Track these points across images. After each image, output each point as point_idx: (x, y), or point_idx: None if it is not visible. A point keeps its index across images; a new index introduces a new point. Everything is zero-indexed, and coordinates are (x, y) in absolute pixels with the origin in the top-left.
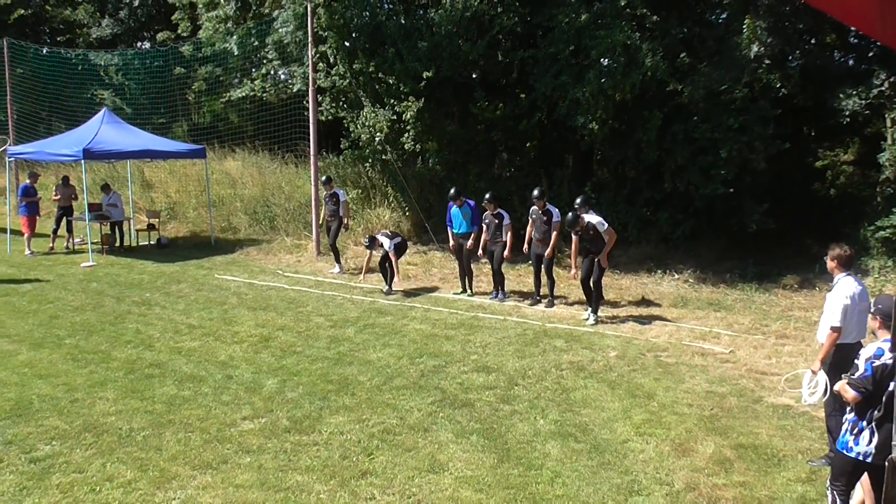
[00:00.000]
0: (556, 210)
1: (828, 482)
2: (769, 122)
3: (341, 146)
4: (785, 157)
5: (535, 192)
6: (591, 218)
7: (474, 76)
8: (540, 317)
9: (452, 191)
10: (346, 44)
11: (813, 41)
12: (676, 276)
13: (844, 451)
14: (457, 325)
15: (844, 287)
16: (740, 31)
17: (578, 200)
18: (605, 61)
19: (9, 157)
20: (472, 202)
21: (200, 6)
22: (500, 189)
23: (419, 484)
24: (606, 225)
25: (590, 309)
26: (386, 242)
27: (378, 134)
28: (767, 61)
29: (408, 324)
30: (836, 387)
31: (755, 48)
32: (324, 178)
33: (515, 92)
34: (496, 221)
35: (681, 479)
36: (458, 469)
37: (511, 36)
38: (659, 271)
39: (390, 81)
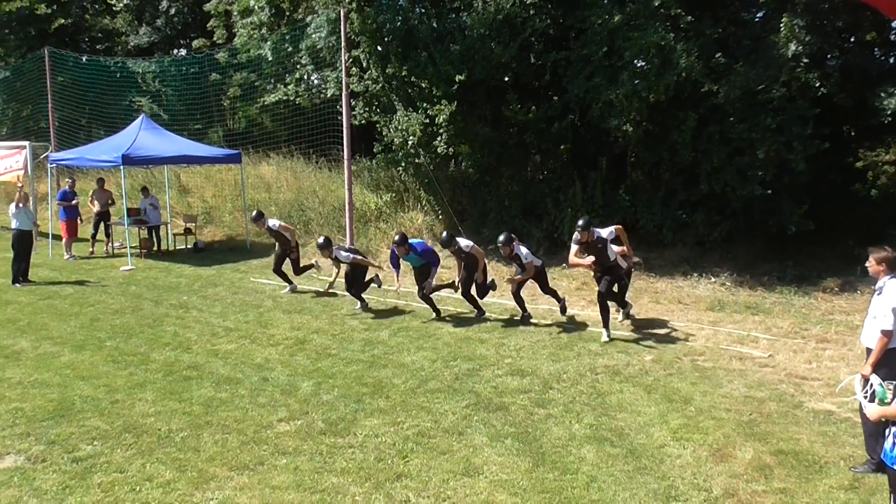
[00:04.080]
0: (524, 251)
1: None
2: (808, 121)
3: (374, 150)
4: (824, 157)
5: (501, 239)
6: (602, 231)
7: (507, 79)
8: (572, 321)
9: (397, 237)
10: (379, 48)
11: (852, 39)
12: (713, 279)
13: (892, 465)
14: (490, 328)
15: None
16: (777, 29)
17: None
18: (639, 62)
19: (50, 164)
20: (419, 244)
21: (235, 13)
22: (533, 192)
23: (454, 487)
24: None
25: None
26: (343, 256)
27: (411, 137)
28: (806, 60)
29: (441, 327)
30: (871, 414)
31: (793, 47)
32: (254, 213)
33: (548, 94)
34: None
35: (719, 484)
36: (492, 473)
37: (543, 38)
38: (695, 274)
39: (423, 85)
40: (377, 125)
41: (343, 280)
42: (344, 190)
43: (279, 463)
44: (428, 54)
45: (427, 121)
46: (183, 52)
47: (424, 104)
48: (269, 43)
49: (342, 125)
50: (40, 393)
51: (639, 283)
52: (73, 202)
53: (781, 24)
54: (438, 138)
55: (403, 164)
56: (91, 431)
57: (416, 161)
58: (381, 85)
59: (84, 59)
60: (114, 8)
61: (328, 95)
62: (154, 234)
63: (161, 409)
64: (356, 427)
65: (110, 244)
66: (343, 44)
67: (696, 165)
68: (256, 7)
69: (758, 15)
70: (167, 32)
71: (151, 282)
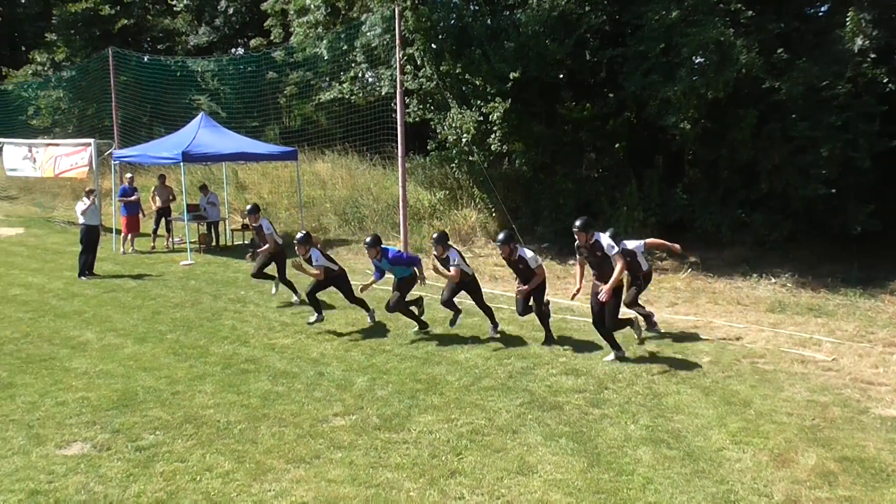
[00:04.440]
0: (529, 254)
1: None
2: (874, 118)
3: (428, 147)
4: (892, 155)
5: (500, 237)
6: (629, 243)
7: (561, 76)
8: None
9: (369, 238)
10: (433, 46)
11: None
12: (773, 280)
13: None
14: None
15: None
16: (843, 24)
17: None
18: (697, 59)
19: (114, 161)
20: (392, 250)
21: (292, 13)
22: (587, 190)
23: (508, 485)
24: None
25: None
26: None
27: (465, 135)
28: (873, 55)
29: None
30: None
31: (859, 41)
32: (249, 205)
33: (603, 91)
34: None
35: (780, 490)
36: (547, 472)
37: (599, 34)
38: (754, 275)
39: (477, 83)
40: (431, 123)
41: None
42: (398, 187)
43: (334, 457)
44: (482, 52)
45: (481, 118)
46: (241, 51)
47: (478, 101)
48: (324, 41)
49: (396, 123)
50: (105, 383)
51: (696, 283)
52: (133, 198)
53: (847, 19)
54: (492, 136)
55: (457, 162)
56: (153, 421)
57: (470, 159)
58: (434, 82)
59: (146, 59)
60: (174, 8)
61: (382, 93)
62: (213, 229)
63: (220, 401)
64: (410, 423)
65: (171, 239)
66: (397, 42)
67: (756, 164)
68: (312, 6)
69: (822, 9)
70: (225, 32)
71: (210, 276)
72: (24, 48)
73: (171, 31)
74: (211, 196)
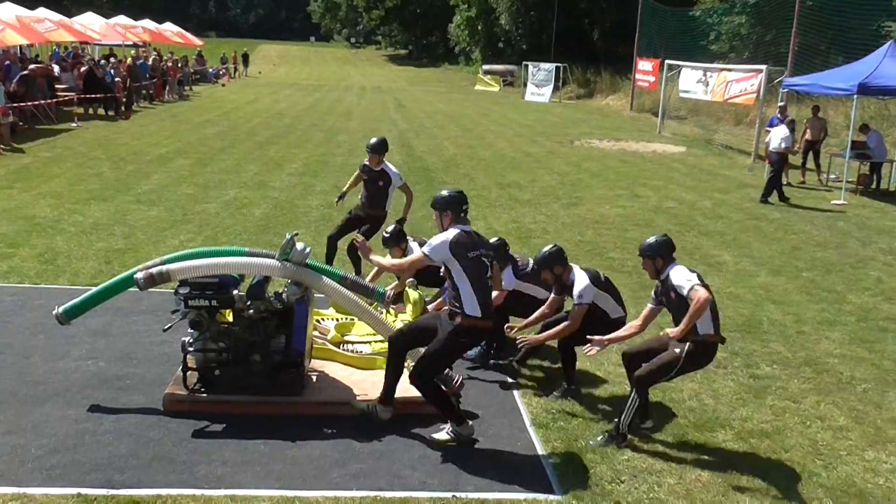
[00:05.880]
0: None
1: None
2: None
3: None
4: None
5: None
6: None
7: None
8: None
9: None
10: None
11: None
12: None
13: None
14: None
15: None
16: None
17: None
18: None
19: (782, 89)
20: None
21: None
22: None
23: None
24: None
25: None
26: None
27: None
28: None
29: None
30: None
31: None
32: (373, 141)
33: None
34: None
35: None
36: None
37: None
38: None
39: None
40: None
41: None
42: None
43: None
44: None
45: None
46: None
47: None
48: None
49: None
50: (733, 305)
51: None
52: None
53: None
54: None
55: None
56: (772, 355)
57: None
58: None
59: None
60: None
61: None
62: (876, 171)
63: (847, 353)
64: None
65: (823, 175)
66: None
67: None
68: None
69: None
70: None
71: (862, 221)
72: None
73: None
74: (875, 133)
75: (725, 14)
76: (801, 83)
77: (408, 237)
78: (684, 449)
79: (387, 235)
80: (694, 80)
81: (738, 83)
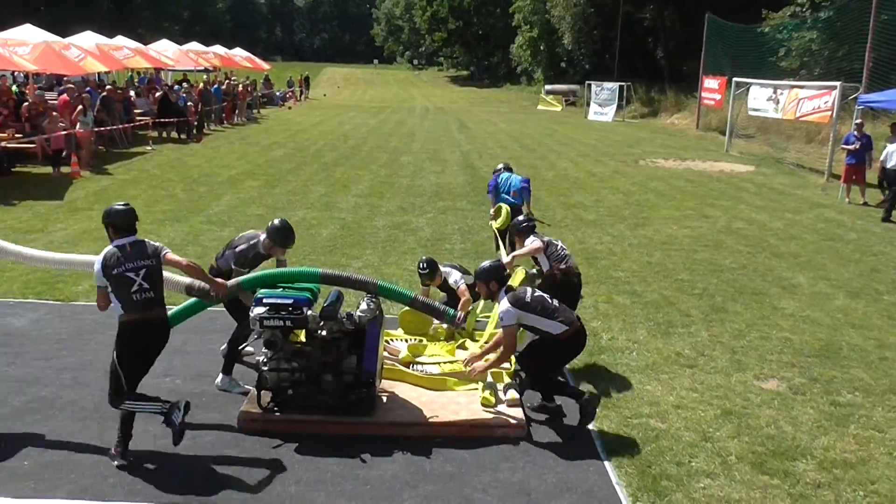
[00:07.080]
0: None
1: None
2: None
3: None
4: None
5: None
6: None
7: None
8: None
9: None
10: None
11: None
12: None
13: None
14: None
15: None
16: None
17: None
18: None
19: (858, 105)
20: None
21: None
22: None
23: None
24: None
25: None
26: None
27: None
28: None
29: None
30: None
31: None
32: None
33: None
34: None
35: None
36: None
37: None
38: None
39: None
40: None
41: None
42: None
43: None
44: None
45: None
46: None
47: None
48: None
49: None
50: (809, 329)
51: None
52: (853, 146)
53: None
54: None
55: None
56: (854, 381)
57: None
58: None
59: None
60: None
61: None
62: None
63: None
64: None
65: None
66: None
67: None
68: None
69: None
70: None
71: None
72: None
73: None
74: None
75: (796, 30)
76: (877, 100)
77: (439, 266)
78: (763, 477)
79: (423, 271)
80: (764, 98)
81: (810, 101)
